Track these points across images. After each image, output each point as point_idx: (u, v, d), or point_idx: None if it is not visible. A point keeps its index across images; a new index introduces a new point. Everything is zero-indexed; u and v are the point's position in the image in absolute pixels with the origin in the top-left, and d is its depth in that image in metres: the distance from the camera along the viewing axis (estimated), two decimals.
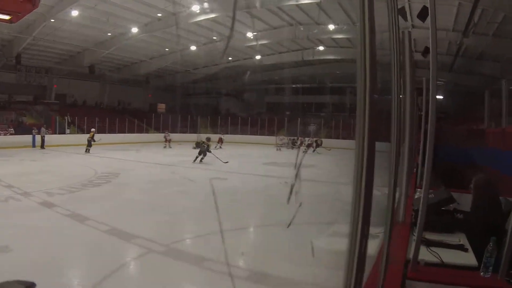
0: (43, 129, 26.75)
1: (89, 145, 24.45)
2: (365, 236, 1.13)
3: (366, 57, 1.09)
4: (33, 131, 26.55)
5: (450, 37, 21.95)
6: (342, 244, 1.25)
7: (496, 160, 10.78)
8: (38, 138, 26.53)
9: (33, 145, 26.15)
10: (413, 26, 17.72)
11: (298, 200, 1.76)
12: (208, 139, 20.93)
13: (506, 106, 13.94)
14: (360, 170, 1.09)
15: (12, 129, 27.74)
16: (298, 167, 1.73)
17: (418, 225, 2.87)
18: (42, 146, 26.00)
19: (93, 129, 25.89)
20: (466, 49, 23.70)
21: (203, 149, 20.11)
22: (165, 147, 30.32)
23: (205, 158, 19.99)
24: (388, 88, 2.17)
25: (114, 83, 40.08)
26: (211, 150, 20.53)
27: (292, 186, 1.73)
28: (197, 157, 19.92)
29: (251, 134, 39.13)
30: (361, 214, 1.12)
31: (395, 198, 2.21)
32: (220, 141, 31.62)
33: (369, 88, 1.09)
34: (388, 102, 2.17)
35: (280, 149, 31.84)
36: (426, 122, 4.29)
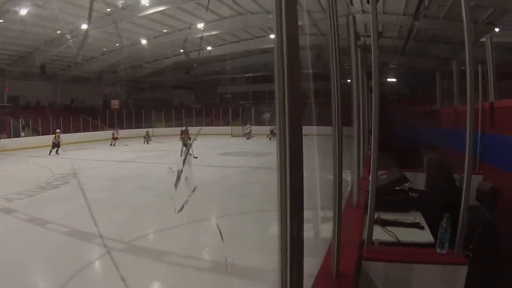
0: None
1: (55, 146, 23.79)
2: (296, 219, 1.11)
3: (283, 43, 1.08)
4: None
5: (401, 20, 22.29)
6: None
7: (449, 138, 11.05)
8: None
9: None
10: (363, 12, 17.96)
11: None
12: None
13: (457, 86, 14.27)
14: (284, 151, 1.07)
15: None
16: (186, 153, 1.72)
17: (369, 204, 2.90)
18: None
19: (58, 130, 25.33)
20: (417, 32, 24.14)
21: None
22: (111, 144, 29.64)
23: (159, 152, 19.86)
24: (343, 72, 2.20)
25: (67, 81, 38.99)
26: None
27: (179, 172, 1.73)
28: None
29: (206, 125, 38.88)
30: (288, 196, 1.09)
31: (341, 181, 2.23)
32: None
33: (288, 74, 1.08)
34: (342, 86, 2.19)
35: (249, 138, 32.49)
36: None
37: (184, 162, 14.81)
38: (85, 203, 10.39)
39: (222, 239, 7.15)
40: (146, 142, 31.20)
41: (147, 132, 33.20)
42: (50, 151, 23.44)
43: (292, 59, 1.06)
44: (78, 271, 5.97)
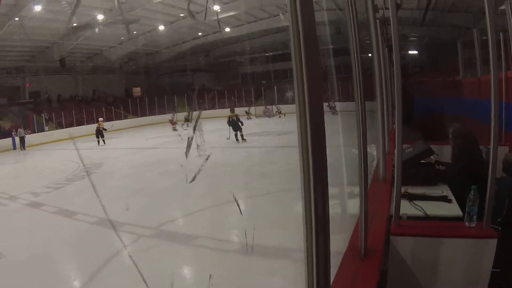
0: (20, 130, 26.21)
1: (99, 136, 23.40)
2: (321, 196, 1.09)
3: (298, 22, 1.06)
4: (13, 133, 26.12)
5: None
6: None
7: (474, 109, 10.85)
8: (17, 139, 25.91)
9: (14, 147, 25.63)
10: None
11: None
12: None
13: (479, 56, 13.96)
14: (304, 129, 1.05)
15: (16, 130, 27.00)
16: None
17: (395, 179, 2.86)
18: (23, 147, 25.48)
19: (100, 118, 25.09)
20: (436, 2, 23.64)
21: (234, 123, 18.75)
22: (174, 129, 28.03)
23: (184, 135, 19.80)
24: (364, 46, 2.16)
25: (87, 73, 39.31)
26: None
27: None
28: (236, 134, 18.71)
29: (228, 107, 38.55)
30: (312, 175, 1.08)
31: (366, 156, 2.20)
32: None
33: (305, 51, 1.06)
34: (364, 61, 2.15)
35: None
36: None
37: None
38: (111, 191, 10.61)
39: (241, 213, 7.22)
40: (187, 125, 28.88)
41: (188, 113, 30.45)
42: (98, 141, 23.25)
43: (308, 34, 1.03)
44: (107, 260, 6.05)
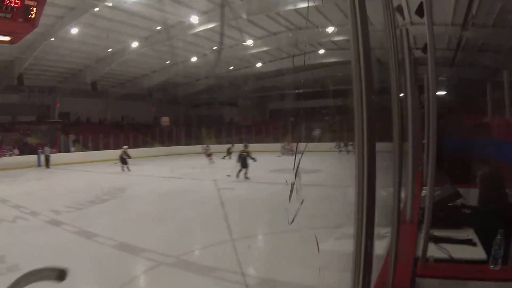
0: (46, 148, 26.73)
1: (124, 162, 23.28)
2: (370, 236, 1.12)
3: (360, 57, 1.09)
4: (39, 150, 26.63)
5: (449, 31, 21.80)
6: (350, 246, 1.25)
7: (501, 152, 10.72)
8: (43, 157, 26.49)
9: (39, 165, 26.18)
10: (411, 23, 17.67)
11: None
12: (246, 146, 19.41)
13: (508, 97, 13.86)
14: (361, 171, 1.09)
15: (17, 150, 27.60)
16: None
17: (425, 222, 2.85)
18: (47, 165, 25.92)
19: (125, 146, 25.08)
20: (466, 42, 23.57)
21: (244, 160, 18.21)
22: (210, 160, 27.01)
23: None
24: (389, 87, 2.17)
25: (117, 98, 40.04)
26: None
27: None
28: (239, 171, 18.12)
29: (256, 142, 38.46)
30: (365, 214, 1.12)
31: (400, 197, 2.20)
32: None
33: (365, 88, 1.09)
34: (389, 101, 2.17)
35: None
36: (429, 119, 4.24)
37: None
38: (133, 217, 10.66)
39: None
40: (229, 157, 28.44)
41: (232, 145, 30.52)
42: (123, 168, 23.13)
43: (367, 74, 1.07)
44: (125, 284, 6.08)
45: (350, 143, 32.61)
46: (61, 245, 8.21)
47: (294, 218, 2.27)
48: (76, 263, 7.02)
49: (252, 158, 18.35)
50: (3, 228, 9.38)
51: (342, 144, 33.65)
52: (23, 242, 8.29)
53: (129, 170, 22.88)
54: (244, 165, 18.00)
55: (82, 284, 6.30)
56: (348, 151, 31.12)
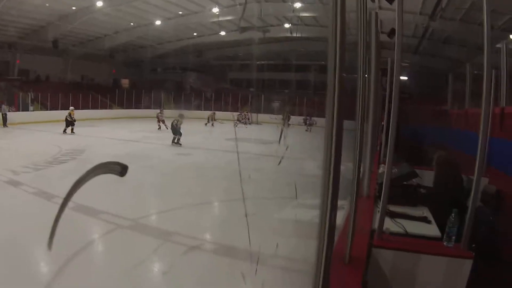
0: (3, 107, 25.78)
1: (69, 124, 22.14)
2: (334, 208, 1.23)
3: (337, 37, 1.17)
4: (1, 107, 25.77)
5: (417, 19, 22.21)
6: (305, 215, 1.35)
7: (459, 140, 11.05)
8: (0, 115, 25.56)
9: None
10: (380, 8, 17.89)
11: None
12: (182, 116, 18.98)
13: (469, 89, 14.26)
14: (329, 146, 1.17)
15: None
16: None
17: (382, 196, 3.01)
18: (5, 124, 24.98)
19: (71, 107, 23.43)
20: (432, 32, 24.08)
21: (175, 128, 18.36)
22: (159, 128, 26.01)
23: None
24: (353, 67, 2.27)
25: (78, 58, 38.95)
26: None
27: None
28: (174, 138, 18.36)
29: (214, 110, 38.30)
30: (330, 187, 1.21)
31: (359, 172, 2.33)
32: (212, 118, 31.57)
33: (339, 67, 1.17)
34: (353, 81, 2.27)
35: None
36: (390, 102, 4.41)
37: None
38: (92, 179, 10.56)
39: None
40: (211, 125, 30.80)
41: (214, 113, 32.77)
42: (65, 130, 22.07)
43: (341, 54, 1.16)
44: (83, 247, 6.11)
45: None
46: (19, 205, 8.13)
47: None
48: (34, 225, 6.99)
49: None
50: None
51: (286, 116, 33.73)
52: None
53: (72, 132, 22.06)
54: (178, 132, 18.20)
55: (39, 246, 6.29)
56: (289, 124, 31.66)
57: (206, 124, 30.60)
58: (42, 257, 5.90)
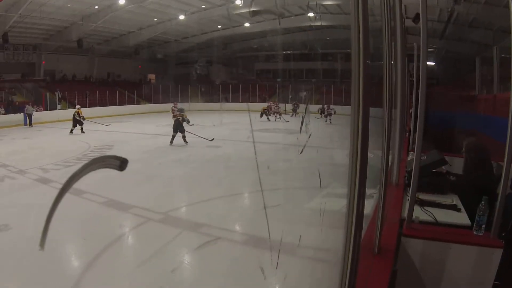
0: (28, 107, 25.96)
1: (77, 123, 20.89)
2: (361, 196, 1.21)
3: (359, 24, 1.14)
4: (24, 109, 26.21)
5: (441, 4, 21.78)
6: (336, 204, 1.33)
7: (487, 126, 10.86)
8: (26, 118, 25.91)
9: (25, 123, 25.69)
10: None
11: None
12: (181, 110, 17.39)
13: (497, 73, 13.97)
14: (356, 134, 1.15)
15: (2, 109, 26.94)
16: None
17: (411, 184, 2.97)
18: (30, 124, 25.35)
19: (78, 106, 22.43)
20: (457, 16, 23.56)
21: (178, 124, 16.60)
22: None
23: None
24: (379, 54, 2.23)
25: (103, 56, 39.41)
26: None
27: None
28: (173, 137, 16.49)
29: (242, 101, 38.63)
30: (357, 176, 1.19)
31: (388, 160, 2.30)
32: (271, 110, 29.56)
33: (363, 54, 1.14)
34: (379, 68, 2.24)
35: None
36: (417, 88, 4.34)
37: None
38: (121, 174, 10.69)
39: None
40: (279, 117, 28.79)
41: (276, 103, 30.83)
42: (72, 130, 20.74)
43: (365, 40, 1.13)
44: (114, 241, 6.21)
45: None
46: (49, 202, 8.22)
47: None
48: (65, 220, 7.12)
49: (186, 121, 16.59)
50: None
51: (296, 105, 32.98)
52: (11, 201, 8.36)
53: (82, 132, 20.81)
54: (180, 129, 16.37)
55: (70, 241, 6.42)
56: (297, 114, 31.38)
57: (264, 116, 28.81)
58: (75, 252, 6.06)
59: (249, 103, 37.03)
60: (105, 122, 23.91)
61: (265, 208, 6.59)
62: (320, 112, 29.18)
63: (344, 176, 1.27)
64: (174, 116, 21.32)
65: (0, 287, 4.74)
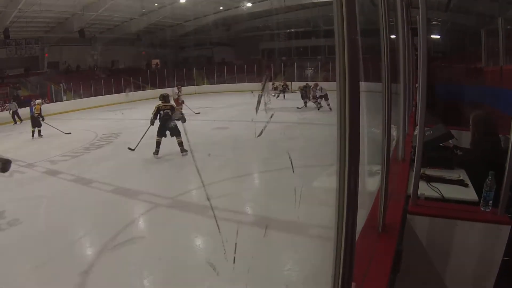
0: (11, 104, 25.24)
1: (36, 123, 17.29)
2: (353, 172, 1.14)
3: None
4: (32, 102, 26.07)
5: None
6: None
7: (494, 98, 10.77)
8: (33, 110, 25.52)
9: (15, 122, 25.12)
10: None
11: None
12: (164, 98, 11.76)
13: (503, 45, 13.76)
14: (343, 110, 1.09)
15: (8, 104, 26.54)
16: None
17: (415, 160, 2.92)
18: (18, 120, 24.29)
19: (38, 100, 18.96)
20: None
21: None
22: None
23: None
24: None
25: (106, 44, 39.34)
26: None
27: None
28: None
29: (248, 81, 38.16)
30: (347, 151, 1.12)
31: (390, 135, 2.25)
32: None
33: (347, 28, 1.09)
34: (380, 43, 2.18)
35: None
36: None
37: None
38: (129, 161, 10.76)
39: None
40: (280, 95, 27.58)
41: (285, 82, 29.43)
42: (33, 132, 17.21)
43: (350, 16, 1.08)
44: (124, 227, 6.25)
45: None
46: (59, 194, 8.36)
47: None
48: (75, 211, 7.19)
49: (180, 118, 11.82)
50: (0, 183, 9.26)
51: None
52: (21, 195, 8.39)
53: (40, 136, 17.20)
54: (174, 131, 11.34)
55: (82, 230, 6.47)
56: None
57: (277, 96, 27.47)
58: (86, 241, 6.09)
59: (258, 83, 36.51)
60: (91, 116, 23.99)
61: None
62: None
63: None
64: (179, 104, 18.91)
65: (14, 282, 4.78)
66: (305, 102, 21.64)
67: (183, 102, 19.84)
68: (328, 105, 19.81)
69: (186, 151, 11.04)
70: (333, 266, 1.22)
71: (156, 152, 10.98)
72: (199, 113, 17.98)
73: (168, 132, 11.15)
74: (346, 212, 1.16)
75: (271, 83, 31.11)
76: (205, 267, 4.86)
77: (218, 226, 5.92)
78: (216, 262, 4.88)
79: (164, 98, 11.55)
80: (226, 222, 6.21)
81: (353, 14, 1.08)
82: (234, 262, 4.47)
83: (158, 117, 11.27)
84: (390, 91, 2.15)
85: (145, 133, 11.37)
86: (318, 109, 20.19)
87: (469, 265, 2.91)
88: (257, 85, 34.59)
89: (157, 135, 11.12)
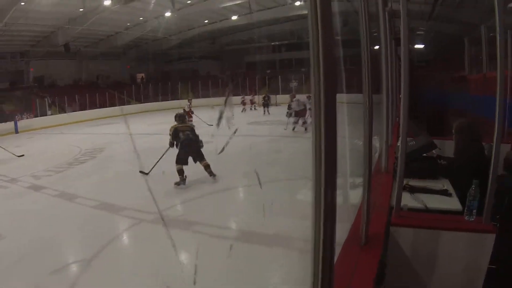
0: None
1: None
2: (330, 186, 1.10)
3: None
4: (16, 117, 25.96)
5: None
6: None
7: (478, 105, 10.87)
8: (19, 124, 25.51)
9: (16, 131, 25.47)
10: None
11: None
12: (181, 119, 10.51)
13: (486, 52, 13.96)
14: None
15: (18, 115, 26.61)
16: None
17: (398, 171, 2.91)
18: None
19: None
20: None
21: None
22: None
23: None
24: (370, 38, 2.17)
25: (91, 58, 39.26)
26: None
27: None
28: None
29: (233, 95, 37.87)
30: (323, 164, 1.09)
31: (371, 147, 2.23)
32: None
33: (322, 38, 1.06)
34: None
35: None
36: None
37: None
38: (112, 176, 10.68)
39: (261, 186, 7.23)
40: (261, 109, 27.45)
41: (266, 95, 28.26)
42: None
43: (325, 26, 1.05)
44: (108, 242, 6.16)
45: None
46: (42, 209, 8.24)
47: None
48: (58, 226, 7.09)
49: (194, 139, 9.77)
50: None
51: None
52: (4, 210, 8.31)
53: None
54: (198, 155, 9.69)
55: (66, 245, 6.39)
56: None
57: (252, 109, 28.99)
58: (71, 255, 6.04)
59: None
60: (76, 131, 23.71)
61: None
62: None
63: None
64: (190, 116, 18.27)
65: None
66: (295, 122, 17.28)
67: (192, 112, 19.94)
68: (304, 123, 16.74)
69: (215, 175, 9.48)
70: (311, 281, 1.19)
71: (183, 182, 9.18)
72: (212, 125, 17.40)
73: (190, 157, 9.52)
74: (323, 226, 1.12)
75: (240, 97, 31.72)
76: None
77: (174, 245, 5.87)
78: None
79: (181, 118, 9.99)
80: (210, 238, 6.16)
81: (328, 22, 1.05)
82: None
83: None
84: (371, 101, 2.13)
85: (162, 156, 10.19)
86: (293, 129, 17.03)
87: (454, 275, 2.90)
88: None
89: (177, 162, 9.29)
